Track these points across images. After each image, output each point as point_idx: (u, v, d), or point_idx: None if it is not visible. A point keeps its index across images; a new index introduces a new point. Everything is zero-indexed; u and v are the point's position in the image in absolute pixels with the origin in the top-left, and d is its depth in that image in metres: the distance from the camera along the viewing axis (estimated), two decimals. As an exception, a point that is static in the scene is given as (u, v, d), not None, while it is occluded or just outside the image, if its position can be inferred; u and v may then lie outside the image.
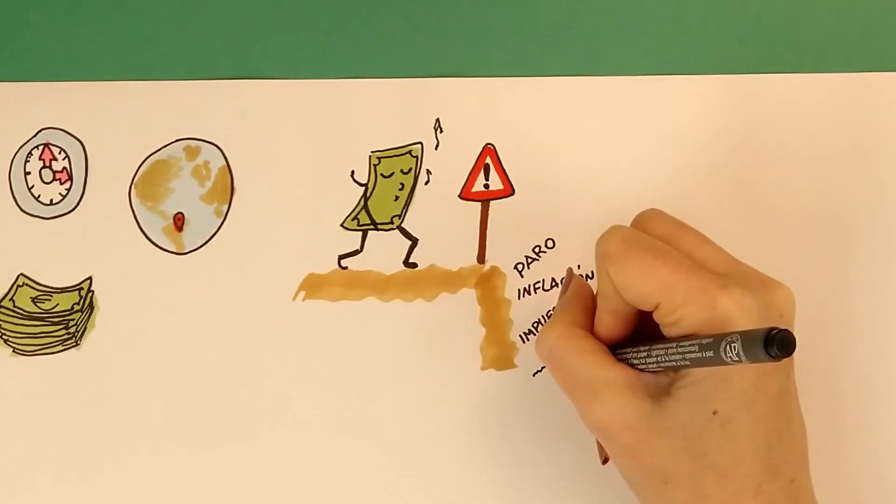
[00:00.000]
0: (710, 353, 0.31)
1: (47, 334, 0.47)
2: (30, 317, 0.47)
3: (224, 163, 0.48)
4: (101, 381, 0.46)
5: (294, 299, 0.47)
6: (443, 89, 0.48)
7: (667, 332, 0.35)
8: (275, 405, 0.46)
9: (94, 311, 0.47)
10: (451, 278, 0.46)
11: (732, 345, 0.29)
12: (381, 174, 0.47)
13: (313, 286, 0.47)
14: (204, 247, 0.48)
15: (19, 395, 0.46)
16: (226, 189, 0.48)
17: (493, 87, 0.48)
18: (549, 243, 0.47)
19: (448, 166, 0.47)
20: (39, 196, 0.48)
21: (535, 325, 0.46)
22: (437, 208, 0.47)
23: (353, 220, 0.47)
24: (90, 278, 0.47)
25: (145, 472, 0.46)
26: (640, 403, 0.35)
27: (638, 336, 0.37)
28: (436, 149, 0.48)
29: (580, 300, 0.39)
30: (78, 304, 0.47)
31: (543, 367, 0.45)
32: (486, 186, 0.47)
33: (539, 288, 0.46)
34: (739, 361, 0.29)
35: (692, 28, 0.48)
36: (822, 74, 0.47)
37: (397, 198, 0.47)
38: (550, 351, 0.38)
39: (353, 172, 0.48)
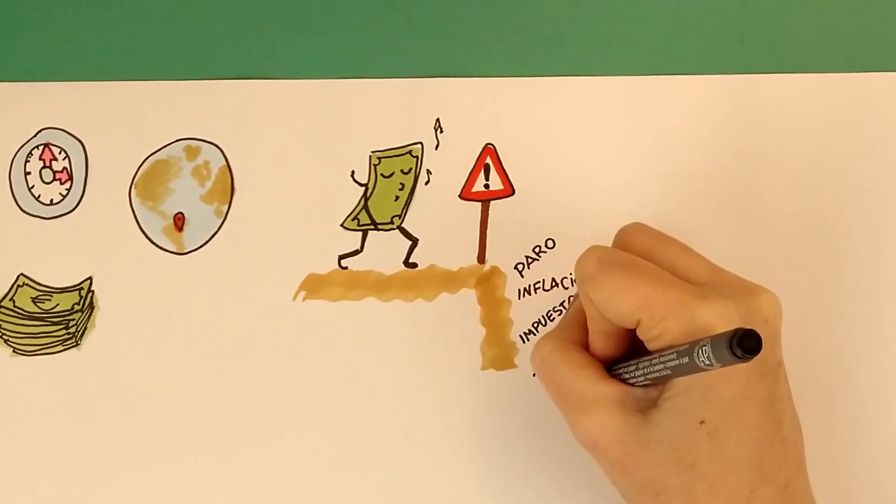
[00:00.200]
0: (686, 360, 0.31)
1: (47, 334, 0.47)
2: (30, 317, 0.47)
3: (224, 163, 0.48)
4: (101, 381, 0.46)
5: (294, 299, 0.47)
6: (443, 89, 0.48)
7: (651, 347, 0.35)
8: (275, 405, 0.46)
9: (94, 311, 0.47)
10: (451, 278, 0.46)
11: (703, 349, 0.29)
12: (382, 174, 0.47)
13: (313, 286, 0.47)
14: (204, 247, 0.48)
15: (19, 395, 0.46)
16: (226, 189, 0.48)
17: (493, 87, 0.48)
18: (549, 243, 0.47)
19: (448, 166, 0.47)
20: (39, 196, 0.48)
21: (535, 325, 0.46)
22: (438, 208, 0.47)
23: (353, 220, 0.47)
24: (90, 278, 0.47)
25: (145, 472, 0.45)
26: (628, 418, 0.35)
27: (634, 353, 0.37)
28: (436, 149, 0.48)
29: (578, 317, 0.39)
30: (78, 304, 0.47)
31: (543, 367, 0.45)
32: (487, 186, 0.47)
33: (539, 288, 0.46)
34: (711, 366, 0.29)
35: (692, 28, 0.48)
36: (822, 74, 0.47)
37: (397, 198, 0.47)
38: (543, 362, 0.38)
39: (353, 172, 0.48)
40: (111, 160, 0.48)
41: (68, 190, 0.48)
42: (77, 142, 0.49)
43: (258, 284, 0.47)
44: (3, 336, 0.47)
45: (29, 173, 0.49)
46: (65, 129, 0.49)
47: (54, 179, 0.48)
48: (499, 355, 0.46)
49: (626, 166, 0.47)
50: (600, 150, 0.47)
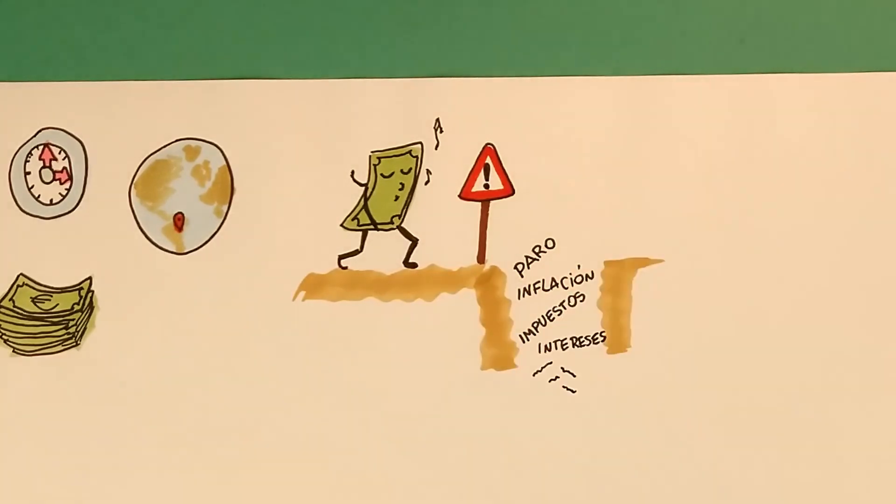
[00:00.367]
0: None
1: (47, 334, 0.47)
2: (30, 317, 0.47)
3: (224, 163, 0.48)
4: (101, 380, 0.47)
5: (294, 299, 0.47)
6: (443, 89, 0.48)
7: None
8: (275, 404, 0.46)
9: (94, 311, 0.47)
10: (451, 278, 0.46)
11: None
12: (381, 174, 0.47)
13: (313, 286, 0.47)
14: (204, 247, 0.48)
15: (19, 395, 0.47)
16: (226, 189, 0.48)
17: (493, 87, 0.48)
18: (549, 243, 0.47)
19: (448, 166, 0.47)
20: (39, 196, 0.48)
21: (535, 325, 0.46)
22: (437, 208, 0.47)
23: (353, 220, 0.47)
24: (90, 278, 0.47)
25: (145, 470, 0.46)
26: None
27: None
28: (436, 149, 0.48)
29: None
30: (78, 304, 0.47)
31: (543, 366, 0.45)
32: (486, 186, 0.47)
33: (539, 288, 0.46)
34: None
35: (692, 28, 0.48)
36: (822, 74, 0.47)
37: (397, 198, 0.47)
38: None
39: (353, 172, 0.48)
40: (111, 160, 0.48)
41: (68, 190, 0.48)
42: (77, 142, 0.49)
43: (258, 284, 0.47)
44: (3, 336, 0.47)
45: (29, 173, 0.49)
46: (65, 129, 0.49)
47: (54, 179, 0.48)
48: (499, 355, 0.46)
49: (626, 166, 0.47)
50: (600, 151, 0.47)
